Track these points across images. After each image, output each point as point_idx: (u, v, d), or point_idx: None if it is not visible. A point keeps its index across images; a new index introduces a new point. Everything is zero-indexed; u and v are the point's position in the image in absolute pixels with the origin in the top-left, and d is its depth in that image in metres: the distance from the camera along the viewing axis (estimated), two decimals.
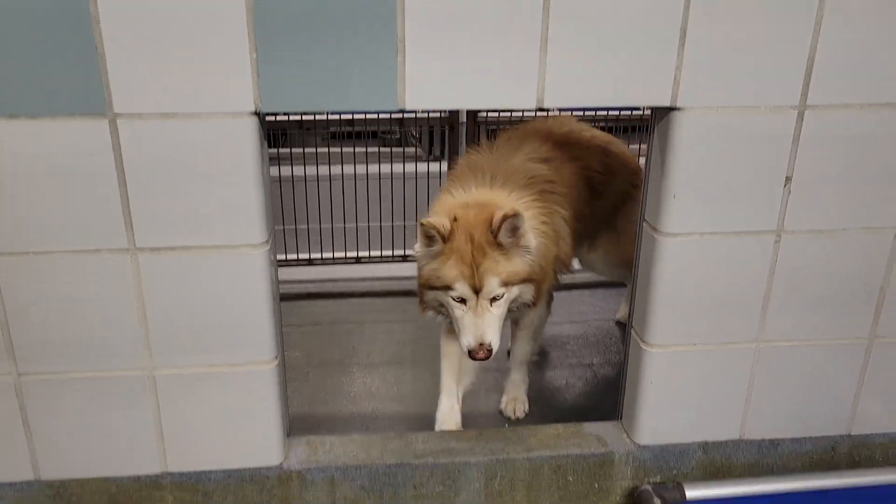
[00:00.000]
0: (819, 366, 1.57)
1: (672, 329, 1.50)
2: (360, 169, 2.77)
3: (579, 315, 2.59)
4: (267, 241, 1.38)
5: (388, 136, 3.76)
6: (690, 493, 1.57)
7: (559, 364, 2.33)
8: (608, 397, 2.14)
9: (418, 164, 2.89)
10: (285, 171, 2.74)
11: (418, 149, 3.37)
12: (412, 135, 3.63)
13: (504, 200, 1.67)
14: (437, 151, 3.19)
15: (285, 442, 1.57)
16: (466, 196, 1.69)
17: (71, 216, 1.30)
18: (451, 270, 1.56)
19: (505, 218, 1.53)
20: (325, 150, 2.72)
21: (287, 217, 2.77)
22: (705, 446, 1.62)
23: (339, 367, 2.34)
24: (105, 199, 1.30)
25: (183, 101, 1.25)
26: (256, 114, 1.28)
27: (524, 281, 1.61)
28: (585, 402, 2.16)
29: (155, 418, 1.46)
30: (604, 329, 2.55)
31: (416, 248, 1.61)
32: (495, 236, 1.54)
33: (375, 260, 2.88)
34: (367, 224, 2.88)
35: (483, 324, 1.56)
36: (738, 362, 1.55)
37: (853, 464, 1.68)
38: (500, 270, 1.56)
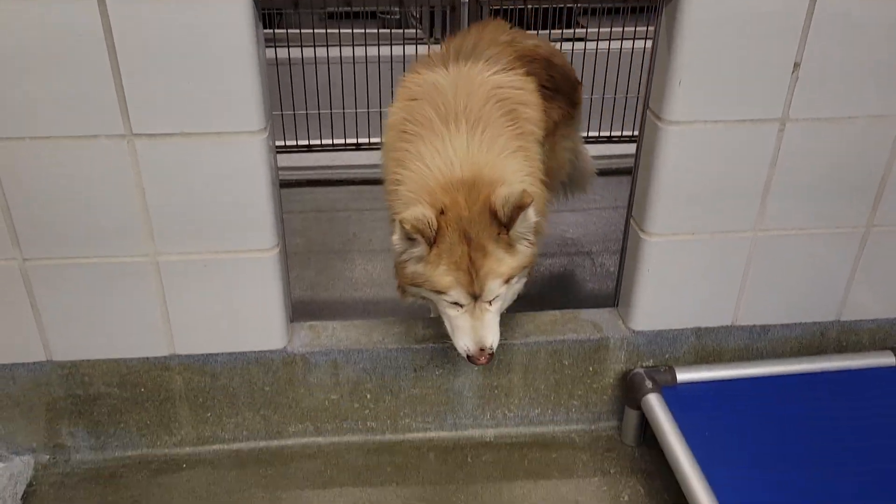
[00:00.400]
0: (814, 254, 1.59)
1: (671, 218, 1.51)
2: (359, 51, 2.70)
3: (580, 203, 2.59)
4: (265, 128, 1.36)
5: (388, 17, 3.65)
6: (681, 376, 1.63)
7: (559, 252, 2.36)
8: (606, 285, 2.17)
9: (419, 46, 2.82)
10: (281, 53, 2.67)
11: (419, 30, 3.26)
12: (412, 15, 3.51)
13: (499, 171, 1.36)
14: (437, 33, 3.09)
15: (289, 327, 1.61)
16: (442, 161, 1.36)
17: (67, 101, 1.28)
18: (443, 278, 1.31)
19: (519, 209, 1.26)
20: (323, 31, 2.64)
21: (285, 102, 2.72)
22: (698, 332, 1.66)
23: (340, 254, 2.36)
24: (99, 84, 1.27)
25: None
26: None
27: (527, 266, 1.39)
28: (584, 289, 2.20)
29: (160, 303, 1.49)
30: (604, 218, 2.57)
31: (395, 241, 1.32)
32: (507, 230, 1.29)
33: (375, 147, 2.86)
34: (366, 110, 2.84)
35: (482, 326, 1.35)
36: (735, 251, 1.56)
37: (840, 348, 1.73)
38: (503, 270, 1.33)
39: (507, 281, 1.34)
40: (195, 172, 1.36)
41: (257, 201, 1.41)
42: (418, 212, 1.29)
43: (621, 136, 2.91)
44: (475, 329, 1.35)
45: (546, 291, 2.17)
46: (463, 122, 1.41)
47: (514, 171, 1.39)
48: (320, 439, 1.69)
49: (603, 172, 2.77)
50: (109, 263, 1.43)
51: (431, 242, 1.29)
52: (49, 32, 1.22)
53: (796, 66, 1.37)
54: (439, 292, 1.33)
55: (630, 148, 2.02)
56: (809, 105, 1.41)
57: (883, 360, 1.67)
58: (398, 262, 1.38)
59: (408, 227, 1.26)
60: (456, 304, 1.35)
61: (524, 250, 1.35)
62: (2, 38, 1.22)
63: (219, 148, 1.35)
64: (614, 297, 1.74)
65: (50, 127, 1.30)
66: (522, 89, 1.54)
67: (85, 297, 1.46)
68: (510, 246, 1.32)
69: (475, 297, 1.33)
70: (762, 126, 1.42)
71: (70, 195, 1.36)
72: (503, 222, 1.29)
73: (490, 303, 1.36)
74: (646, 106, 1.48)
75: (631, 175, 1.60)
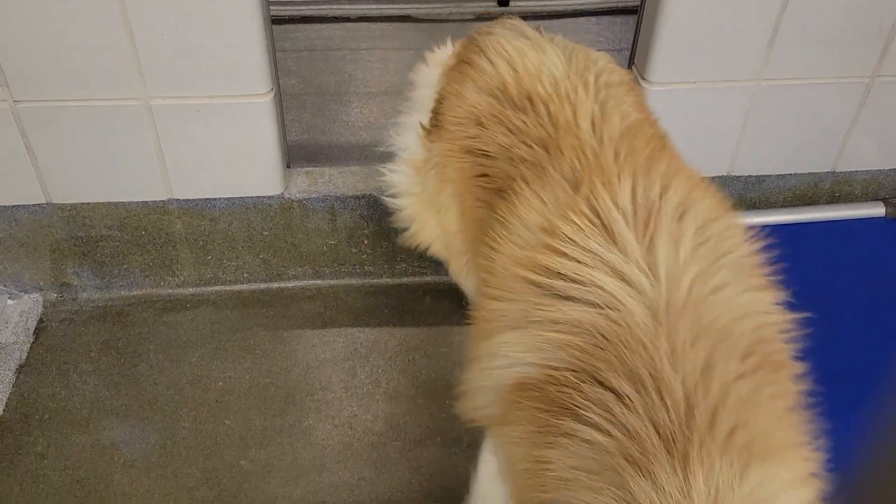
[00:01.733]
0: (816, 104, 1.57)
1: (673, 66, 1.48)
2: None
3: (582, 42, 2.51)
4: None
5: None
6: None
7: None
8: None
9: None
10: None
11: None
12: None
13: None
14: None
15: (285, 172, 1.61)
16: None
17: None
18: None
19: None
20: None
21: None
22: None
23: (337, 96, 2.32)
24: None
25: None
26: None
27: None
28: None
29: (156, 147, 1.49)
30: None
31: None
32: None
33: None
34: None
35: None
36: (736, 101, 1.54)
37: (833, 199, 1.75)
38: None
39: None
40: (184, 12, 1.31)
41: (250, 45, 1.37)
42: None
43: None
44: None
45: None
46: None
47: None
48: (319, 282, 1.74)
49: (608, 11, 2.67)
50: (102, 107, 1.41)
51: None
52: None
53: None
54: None
55: None
56: None
57: (874, 210, 1.69)
58: None
59: None
60: None
61: None
62: None
63: None
64: None
65: None
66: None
67: (80, 140, 1.46)
68: None
69: None
70: None
71: (56, 36, 1.32)
72: None
73: None
74: None
75: (636, 15, 1.54)
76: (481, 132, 1.06)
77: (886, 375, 1.46)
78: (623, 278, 0.81)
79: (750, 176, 1.68)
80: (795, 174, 1.69)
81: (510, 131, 1.03)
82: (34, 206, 1.55)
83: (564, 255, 0.84)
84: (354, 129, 2.19)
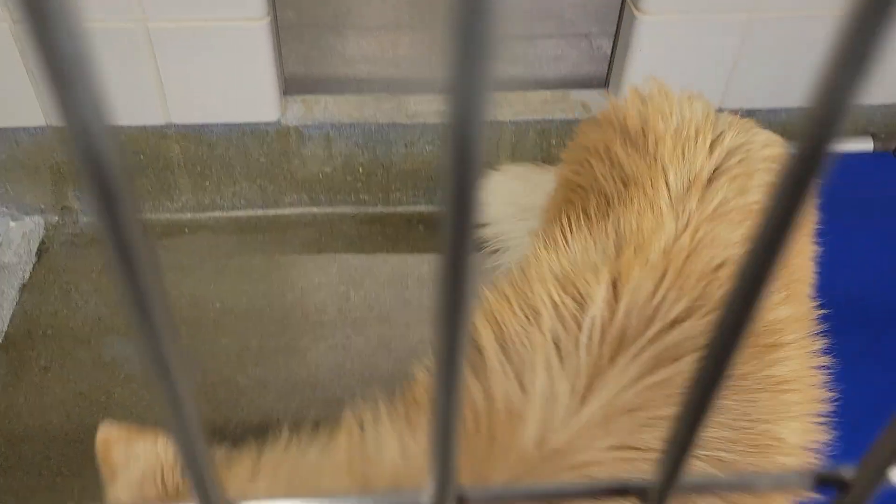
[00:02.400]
0: (808, 38, 1.58)
1: None
2: None
3: None
4: None
5: None
6: None
7: (555, 34, 2.32)
8: (602, 68, 2.16)
9: None
10: None
11: None
12: None
13: None
14: None
15: (282, 100, 1.63)
16: None
17: None
18: None
19: None
20: None
21: None
22: None
23: (334, 29, 2.31)
24: None
25: None
26: None
27: None
28: (579, 72, 2.19)
29: (153, 71, 1.50)
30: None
31: None
32: None
33: None
34: None
35: None
36: (728, 33, 1.55)
37: None
38: None
39: None
40: None
41: None
42: None
43: None
44: None
45: (540, 72, 2.16)
46: None
47: None
48: (315, 209, 1.77)
49: None
50: (99, 29, 1.43)
51: None
52: None
53: None
54: None
55: None
56: None
57: (862, 145, 1.71)
58: None
59: None
60: None
61: None
62: None
63: None
64: (605, 77, 1.74)
65: None
66: None
67: None
68: None
69: None
70: None
71: None
72: None
73: None
74: None
75: None
76: (585, 162, 0.96)
77: (885, 310, 1.49)
78: None
79: (741, 109, 1.69)
80: (786, 108, 1.71)
81: (612, 163, 0.91)
82: (35, 128, 1.58)
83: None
84: (352, 62, 2.20)
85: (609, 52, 2.16)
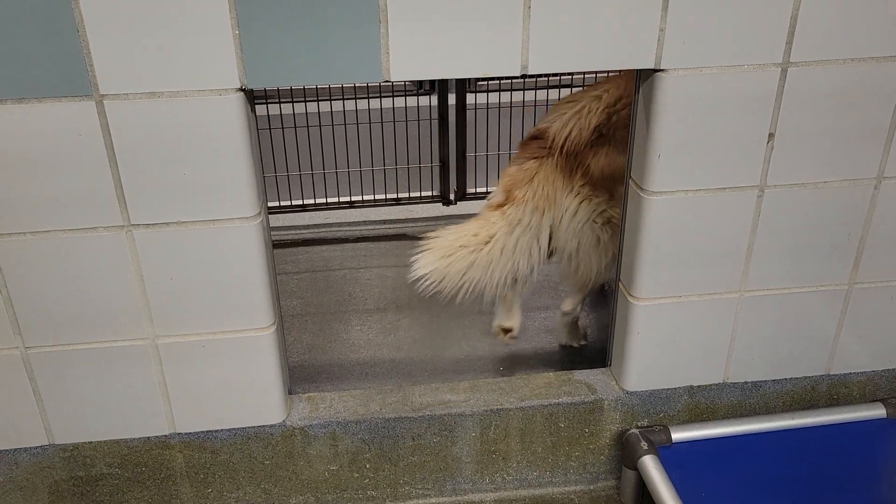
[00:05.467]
0: (800, 311, 1.62)
1: (658, 282, 1.54)
2: (349, 105, 2.76)
3: None
4: (259, 213, 1.40)
5: None
6: (676, 435, 1.65)
7: (552, 305, 2.39)
8: (601, 338, 2.20)
9: (407, 98, 2.87)
10: (272, 109, 2.72)
11: (407, 82, 3.32)
12: None
13: None
14: (426, 84, 3.15)
15: (287, 400, 1.63)
16: None
17: (67, 196, 1.32)
18: None
19: None
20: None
21: (277, 158, 2.77)
22: (691, 390, 1.69)
23: (337, 315, 2.39)
24: (97, 178, 1.31)
25: (169, 80, 1.25)
26: (242, 90, 1.28)
27: None
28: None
29: (160, 383, 1.52)
30: None
31: None
32: None
33: (369, 203, 2.90)
34: (358, 169, 2.89)
35: None
36: (722, 311, 1.60)
37: (832, 401, 1.76)
38: None
39: None
40: (191, 258, 1.40)
41: (253, 283, 1.44)
42: None
43: None
44: None
45: (540, 346, 2.19)
46: None
47: None
48: None
49: None
50: (109, 348, 1.46)
51: None
52: (50, 136, 1.27)
53: (770, 136, 1.42)
54: None
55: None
56: (786, 172, 1.46)
57: (874, 412, 1.69)
58: None
59: None
60: None
61: None
62: (5, 143, 1.26)
63: (214, 234, 1.38)
64: (606, 355, 1.76)
65: (51, 222, 1.34)
66: None
67: (86, 380, 1.49)
68: None
69: None
70: (742, 193, 1.47)
71: (71, 284, 1.39)
72: None
73: None
74: (628, 175, 1.53)
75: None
76: None
77: None
78: None
79: (746, 382, 1.70)
80: (791, 378, 1.71)
81: None
82: (36, 448, 1.55)
83: None
84: (355, 348, 2.24)
85: (605, 321, 2.21)
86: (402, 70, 1.29)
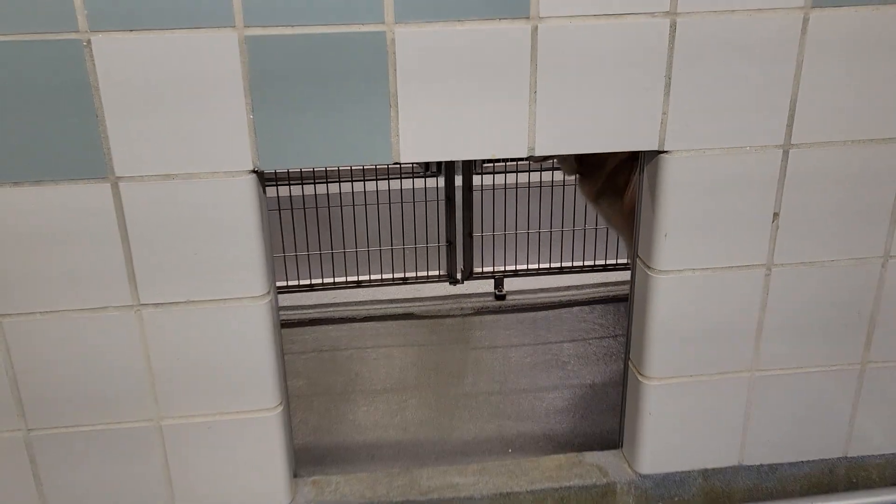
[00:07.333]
0: (814, 391, 1.60)
1: (668, 361, 1.53)
2: (357, 186, 2.81)
3: (579, 333, 2.62)
4: (268, 293, 1.41)
5: None
6: None
7: (560, 385, 2.36)
8: (611, 419, 2.17)
9: (415, 180, 2.92)
10: (282, 190, 2.76)
11: (415, 164, 3.39)
12: None
13: None
14: (433, 166, 3.21)
15: (292, 483, 1.60)
16: None
17: (77, 277, 1.33)
18: None
19: None
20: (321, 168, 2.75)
21: (286, 234, 2.80)
22: (705, 473, 1.65)
23: (343, 395, 2.37)
24: (109, 258, 1.33)
25: (183, 163, 1.28)
26: (255, 171, 1.31)
27: None
28: (587, 423, 2.19)
29: (163, 465, 1.49)
30: (604, 347, 2.58)
31: None
32: None
33: (376, 283, 2.91)
34: (366, 249, 2.91)
35: None
36: (735, 391, 1.58)
37: (851, 485, 1.71)
38: None
39: None
40: (200, 338, 1.40)
41: (260, 363, 1.43)
42: None
43: (616, 265, 2.97)
44: None
45: (549, 427, 2.16)
46: None
47: None
48: None
49: (601, 300, 2.82)
50: (113, 430, 1.44)
51: None
52: (65, 216, 1.29)
53: (776, 215, 1.43)
54: None
55: (627, 275, 2.06)
56: (792, 250, 1.46)
57: (894, 496, 1.64)
58: None
59: None
60: None
61: None
62: (19, 224, 1.28)
63: (223, 314, 1.39)
64: (618, 436, 1.73)
65: (62, 301, 1.34)
66: None
67: (88, 462, 1.47)
68: None
69: None
70: (749, 271, 1.47)
71: (78, 364, 1.39)
72: None
73: None
74: (635, 254, 1.54)
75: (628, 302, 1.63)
76: None
77: None
78: None
79: (762, 465, 1.66)
80: (808, 461, 1.67)
81: None
82: None
83: None
84: (361, 429, 2.21)
85: (615, 400, 2.19)
86: (411, 152, 1.32)
